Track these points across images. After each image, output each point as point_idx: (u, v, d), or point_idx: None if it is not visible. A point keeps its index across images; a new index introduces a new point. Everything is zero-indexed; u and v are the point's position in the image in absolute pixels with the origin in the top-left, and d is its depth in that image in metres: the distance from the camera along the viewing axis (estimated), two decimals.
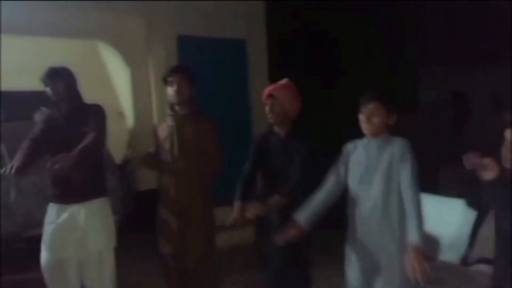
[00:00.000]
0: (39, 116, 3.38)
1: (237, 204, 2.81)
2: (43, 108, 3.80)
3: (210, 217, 3.12)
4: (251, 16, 6.03)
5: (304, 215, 2.51)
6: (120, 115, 7.47)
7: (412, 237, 2.25)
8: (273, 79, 6.26)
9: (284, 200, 2.69)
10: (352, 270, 2.54)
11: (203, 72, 5.78)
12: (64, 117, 2.98)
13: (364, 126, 2.44)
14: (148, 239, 5.07)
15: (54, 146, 2.86)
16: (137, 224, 5.65)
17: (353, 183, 2.51)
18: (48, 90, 3.02)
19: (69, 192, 2.88)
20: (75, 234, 2.89)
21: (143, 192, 5.53)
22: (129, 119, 6.34)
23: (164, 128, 3.11)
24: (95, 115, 2.98)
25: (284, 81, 2.94)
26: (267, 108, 2.86)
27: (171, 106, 3.10)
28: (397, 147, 2.40)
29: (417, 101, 5.86)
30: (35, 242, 3.47)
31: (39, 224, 3.47)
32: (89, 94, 7.49)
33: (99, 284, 2.99)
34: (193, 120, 3.04)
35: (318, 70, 6.39)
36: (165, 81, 3.08)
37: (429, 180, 2.82)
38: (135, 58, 5.76)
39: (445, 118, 5.41)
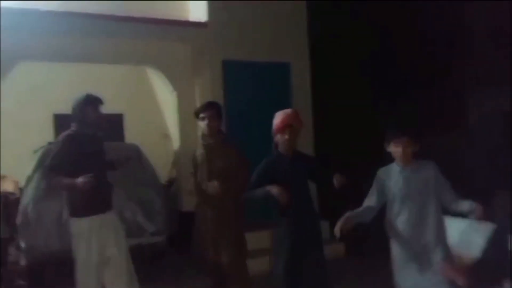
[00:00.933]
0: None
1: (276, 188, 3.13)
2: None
3: (239, 230, 3.61)
4: (295, 39, 6.14)
5: (353, 216, 2.97)
6: (166, 136, 7.78)
7: None
8: (316, 102, 6.38)
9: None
10: (402, 273, 2.95)
11: (247, 95, 5.99)
12: (92, 139, 3.59)
13: (398, 155, 2.90)
14: (191, 259, 5.21)
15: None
16: (180, 245, 5.80)
17: (395, 204, 2.96)
18: (83, 114, 3.55)
19: (91, 206, 3.47)
20: (97, 241, 3.48)
21: (186, 213, 5.69)
22: (175, 141, 6.59)
23: (199, 155, 3.68)
24: None
25: (291, 111, 3.36)
26: (286, 136, 3.22)
27: (203, 136, 3.67)
28: (430, 169, 2.89)
29: (467, 122, 5.76)
30: None
31: None
32: (138, 116, 7.86)
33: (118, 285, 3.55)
34: (220, 147, 3.59)
35: (362, 93, 6.38)
36: (197, 116, 3.63)
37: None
38: (182, 83, 6.01)
39: (495, 139, 5.28)
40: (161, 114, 7.97)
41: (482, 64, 5.54)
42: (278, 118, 3.27)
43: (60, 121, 7.45)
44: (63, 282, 4.77)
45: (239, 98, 5.71)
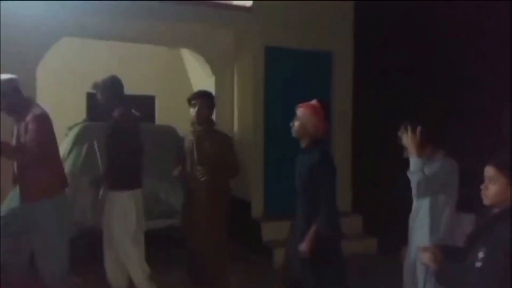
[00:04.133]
0: None
1: None
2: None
3: (222, 215, 3.79)
4: (339, 28, 6.11)
5: None
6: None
7: None
8: (358, 91, 6.37)
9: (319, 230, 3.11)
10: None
11: (288, 82, 5.92)
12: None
13: (409, 145, 2.94)
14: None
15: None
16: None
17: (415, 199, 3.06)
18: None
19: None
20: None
21: None
22: None
23: (188, 141, 3.84)
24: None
25: (313, 101, 3.29)
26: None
27: (192, 123, 3.81)
28: (445, 167, 2.92)
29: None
30: None
31: None
32: (170, 99, 7.97)
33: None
34: (210, 135, 3.76)
35: (406, 85, 6.30)
36: (189, 103, 3.79)
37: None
38: (221, 68, 6.06)
39: None
40: None
41: None
42: None
43: (92, 99, 7.66)
44: (93, 258, 4.98)
45: (280, 85, 5.72)
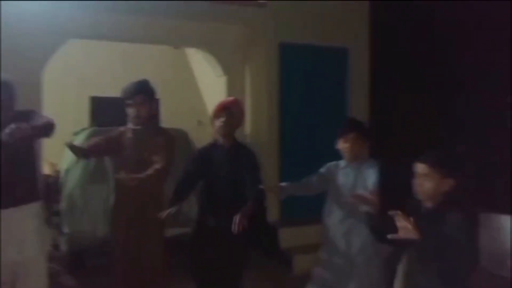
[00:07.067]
0: None
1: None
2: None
3: (157, 224, 3.31)
4: (355, 23, 5.97)
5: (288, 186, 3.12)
6: (200, 123, 7.76)
7: None
8: (374, 88, 6.23)
9: (254, 207, 3.03)
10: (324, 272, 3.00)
11: (303, 79, 5.77)
12: None
13: (345, 151, 3.01)
14: None
15: None
16: None
17: (328, 200, 3.16)
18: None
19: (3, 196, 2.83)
20: (9, 239, 2.87)
21: None
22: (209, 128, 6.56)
23: (125, 138, 3.34)
24: None
25: (233, 98, 3.38)
26: (222, 120, 3.13)
27: (132, 120, 3.33)
28: (369, 168, 2.96)
29: None
30: None
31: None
32: (174, 101, 7.87)
33: None
34: (148, 134, 3.28)
35: (425, 82, 6.21)
36: (123, 100, 3.28)
37: None
38: (233, 67, 5.92)
39: None
40: (200, 99, 7.96)
41: None
42: (217, 104, 3.28)
43: (97, 105, 7.49)
44: (104, 268, 4.83)
45: (295, 83, 5.61)
